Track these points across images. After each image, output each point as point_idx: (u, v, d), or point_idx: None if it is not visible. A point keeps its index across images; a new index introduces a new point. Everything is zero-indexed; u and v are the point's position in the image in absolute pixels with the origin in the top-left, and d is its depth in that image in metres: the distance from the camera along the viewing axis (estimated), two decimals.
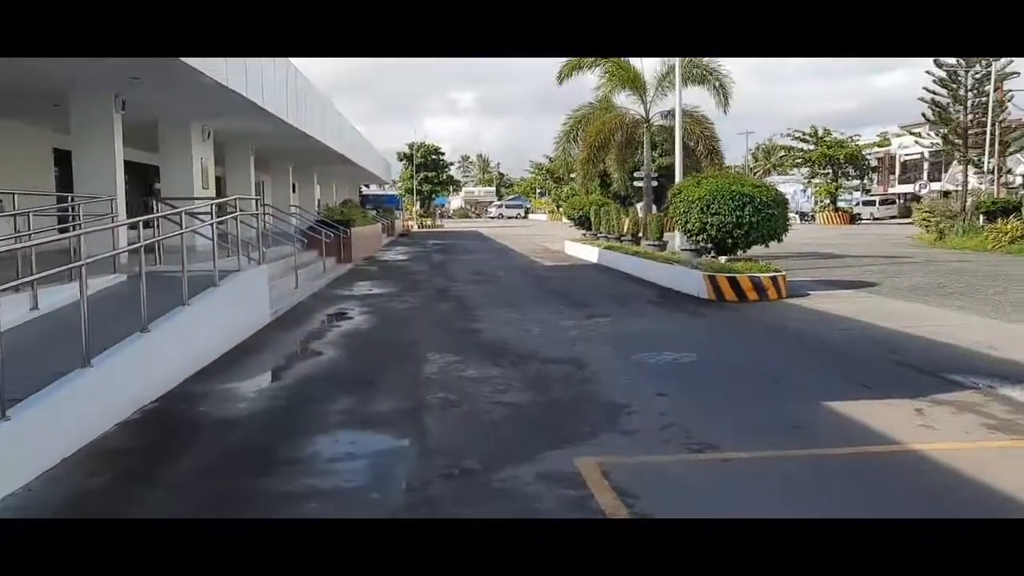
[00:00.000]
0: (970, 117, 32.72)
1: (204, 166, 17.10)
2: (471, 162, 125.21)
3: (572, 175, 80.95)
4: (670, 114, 24.20)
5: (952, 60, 31.13)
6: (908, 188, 58.85)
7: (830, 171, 56.81)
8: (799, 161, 58.27)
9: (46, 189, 14.99)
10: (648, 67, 25.35)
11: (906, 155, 59.69)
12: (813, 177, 58.41)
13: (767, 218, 15.06)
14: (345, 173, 39.66)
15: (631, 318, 11.81)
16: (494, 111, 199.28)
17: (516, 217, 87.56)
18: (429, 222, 63.98)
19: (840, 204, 56.76)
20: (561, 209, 70.60)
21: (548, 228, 53.58)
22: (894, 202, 56.80)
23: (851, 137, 57.85)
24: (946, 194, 37.69)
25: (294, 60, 20.84)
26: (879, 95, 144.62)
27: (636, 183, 33.50)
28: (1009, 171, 36.87)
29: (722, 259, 15.19)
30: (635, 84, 24.34)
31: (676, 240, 19.51)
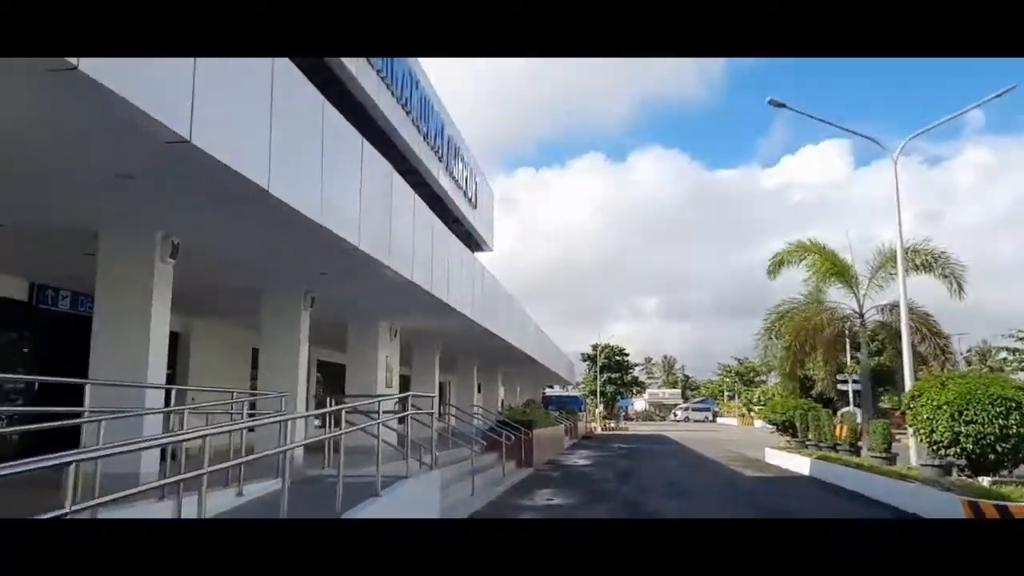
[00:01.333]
0: None
1: (389, 364, 16.78)
2: (655, 364, 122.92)
3: (762, 378, 76.96)
4: (886, 308, 21.91)
5: None
6: None
7: None
8: None
9: (243, 388, 15.06)
10: (860, 256, 23.45)
11: None
12: None
13: None
14: (529, 373, 39.30)
15: None
16: (677, 315, 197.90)
17: (703, 420, 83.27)
18: (612, 424, 62.15)
19: None
20: (753, 413, 66.11)
21: (740, 433, 49.78)
22: None
23: None
24: None
25: (480, 257, 21.04)
26: None
27: (840, 385, 30.46)
28: None
29: (983, 480, 12.23)
30: (843, 276, 22.27)
31: (911, 452, 16.50)
